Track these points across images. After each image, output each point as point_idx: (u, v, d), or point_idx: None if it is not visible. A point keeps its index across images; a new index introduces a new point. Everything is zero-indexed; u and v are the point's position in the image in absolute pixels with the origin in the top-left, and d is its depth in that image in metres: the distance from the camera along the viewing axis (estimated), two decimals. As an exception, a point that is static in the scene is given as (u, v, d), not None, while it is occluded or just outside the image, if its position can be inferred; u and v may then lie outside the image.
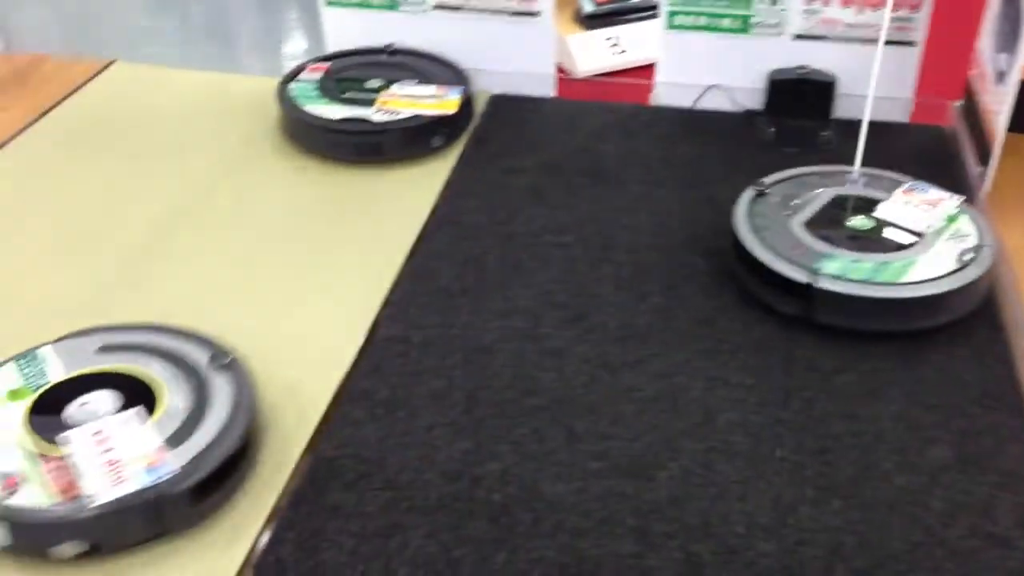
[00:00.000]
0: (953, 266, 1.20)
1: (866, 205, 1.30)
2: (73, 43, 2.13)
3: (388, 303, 1.23)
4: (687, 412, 1.08)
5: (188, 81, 1.75)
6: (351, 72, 1.64)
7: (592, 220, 1.38)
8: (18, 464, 0.91)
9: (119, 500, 0.89)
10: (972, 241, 1.23)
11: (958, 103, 1.61)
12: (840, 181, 1.36)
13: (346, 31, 1.71)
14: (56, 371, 1.02)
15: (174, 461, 0.92)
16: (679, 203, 1.42)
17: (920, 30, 1.56)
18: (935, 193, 1.31)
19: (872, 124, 1.61)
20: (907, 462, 1.03)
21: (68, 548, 0.89)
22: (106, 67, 1.77)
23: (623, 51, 1.82)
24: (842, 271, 1.18)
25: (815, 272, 1.17)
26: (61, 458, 0.92)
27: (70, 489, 0.89)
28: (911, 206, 1.28)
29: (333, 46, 1.73)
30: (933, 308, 1.18)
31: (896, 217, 1.27)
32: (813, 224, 1.26)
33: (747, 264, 1.23)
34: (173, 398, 1.00)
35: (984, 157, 1.41)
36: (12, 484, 0.89)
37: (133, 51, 2.06)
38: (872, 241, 1.24)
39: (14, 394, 0.98)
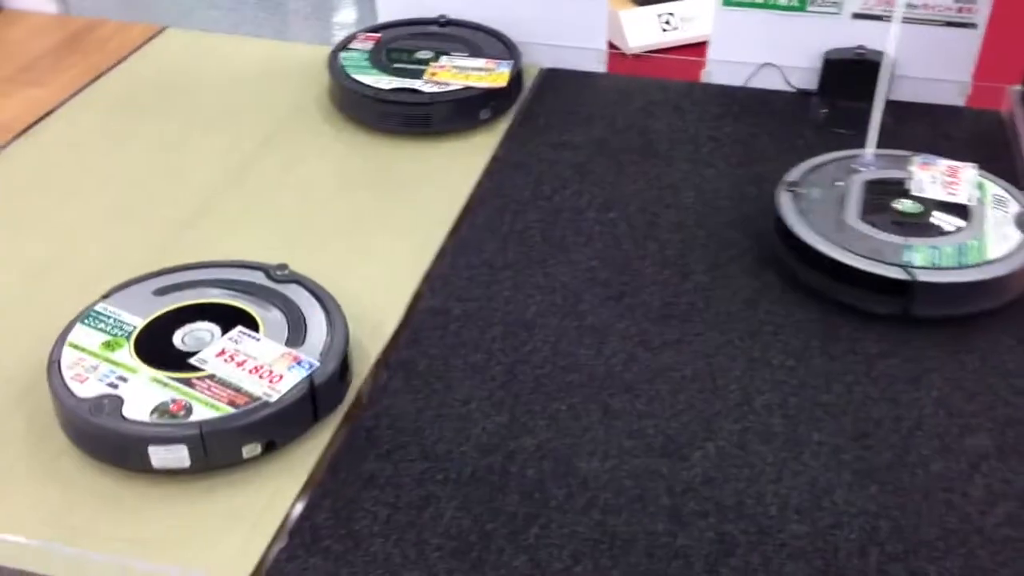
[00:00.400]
0: (1020, 233, 1.18)
1: (896, 186, 1.29)
2: (127, 8, 2.15)
3: (430, 275, 1.24)
4: (726, 393, 1.08)
5: (239, 48, 1.77)
6: (401, 43, 1.64)
7: (638, 197, 1.38)
8: (172, 393, 0.96)
9: (289, 394, 0.97)
10: (1014, 206, 1.21)
11: (1017, 87, 1.57)
12: (859, 166, 1.34)
13: (398, 1, 1.72)
14: (130, 318, 1.06)
15: (308, 357, 1.00)
16: (727, 182, 1.41)
17: (982, 13, 1.52)
18: (947, 163, 1.30)
19: (927, 107, 1.58)
20: (946, 449, 1.01)
21: (249, 450, 0.96)
22: (159, 33, 1.79)
23: (675, 28, 1.80)
24: (930, 261, 1.16)
25: (908, 267, 1.14)
26: (206, 379, 0.98)
27: (237, 398, 0.95)
28: (937, 182, 1.27)
29: (384, 16, 1.73)
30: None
31: (936, 194, 1.26)
32: (867, 216, 1.24)
33: (828, 270, 1.18)
34: (264, 313, 1.07)
35: (1042, 143, 1.38)
36: (181, 407, 0.95)
37: (185, 18, 2.08)
38: (927, 223, 1.23)
39: (108, 345, 1.02)
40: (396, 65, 1.58)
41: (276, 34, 2.05)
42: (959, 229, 1.21)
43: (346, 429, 1.03)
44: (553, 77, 1.67)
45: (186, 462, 0.94)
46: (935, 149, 1.47)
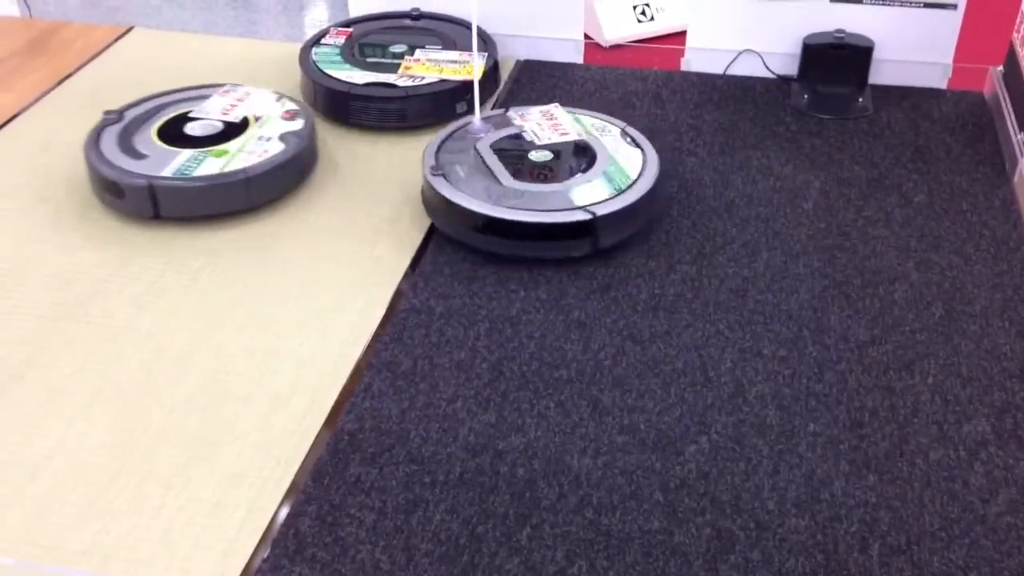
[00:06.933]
0: (629, 145, 1.28)
1: (517, 141, 1.33)
2: (90, 9, 2.11)
3: (411, 272, 1.21)
4: (717, 385, 1.05)
5: (208, 47, 1.73)
6: (374, 37, 1.61)
7: (620, 188, 1.35)
8: None
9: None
10: (614, 127, 1.33)
11: (999, 68, 1.56)
12: (474, 133, 1.35)
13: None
14: None
15: None
16: (710, 171, 1.39)
17: (962, -7, 1.51)
18: (537, 108, 1.38)
19: (909, 90, 1.56)
20: (944, 436, 0.99)
21: None
22: (125, 33, 1.75)
23: (651, 19, 1.77)
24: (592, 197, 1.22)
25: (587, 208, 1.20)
26: None
27: None
28: (545, 127, 1.35)
29: (356, 10, 1.69)
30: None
31: (551, 138, 1.33)
32: (516, 176, 1.26)
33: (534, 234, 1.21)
34: None
35: (1026, 123, 1.36)
36: None
37: (152, 17, 2.04)
38: (563, 166, 1.27)
39: None
40: (369, 60, 1.55)
41: (246, 32, 2.01)
42: (592, 162, 1.28)
43: (328, 433, 0.99)
44: (530, 69, 1.64)
45: None
46: (917, 131, 1.45)
